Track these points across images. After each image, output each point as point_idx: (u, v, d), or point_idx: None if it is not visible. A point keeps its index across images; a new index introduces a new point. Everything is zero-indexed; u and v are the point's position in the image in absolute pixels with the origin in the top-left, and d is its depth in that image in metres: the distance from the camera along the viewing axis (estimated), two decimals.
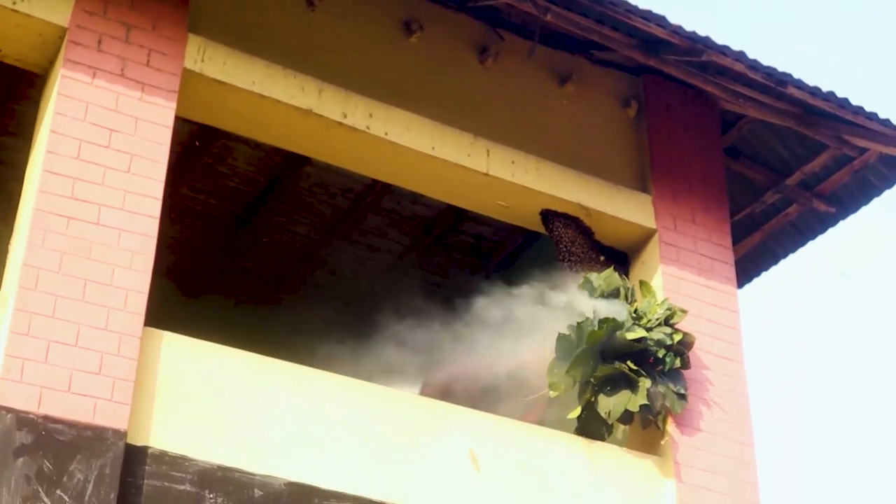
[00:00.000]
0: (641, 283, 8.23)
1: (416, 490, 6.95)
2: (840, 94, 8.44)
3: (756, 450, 8.05)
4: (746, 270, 10.11)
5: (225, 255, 10.31)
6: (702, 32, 8.10)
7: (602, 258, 8.51)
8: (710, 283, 8.47)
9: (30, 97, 8.19)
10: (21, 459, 5.95)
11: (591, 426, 7.69)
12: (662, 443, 7.76)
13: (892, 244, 26.77)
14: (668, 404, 7.72)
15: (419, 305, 9.41)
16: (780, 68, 8.34)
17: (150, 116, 7.03)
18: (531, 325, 8.12)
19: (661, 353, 7.80)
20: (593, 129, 8.78)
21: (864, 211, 9.32)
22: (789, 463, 26.76)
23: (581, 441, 7.59)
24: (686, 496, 7.64)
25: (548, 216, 8.37)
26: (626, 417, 7.68)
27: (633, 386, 7.66)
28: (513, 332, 8.19)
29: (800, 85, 8.35)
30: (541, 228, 8.48)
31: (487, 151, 8.11)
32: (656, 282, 8.31)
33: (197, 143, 8.85)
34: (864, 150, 8.93)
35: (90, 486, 6.03)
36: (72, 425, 6.11)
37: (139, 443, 6.33)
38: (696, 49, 8.14)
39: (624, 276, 8.29)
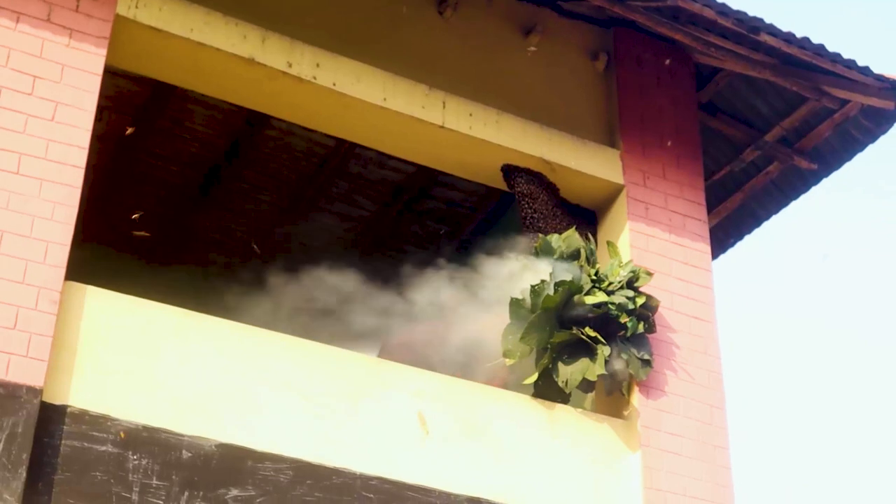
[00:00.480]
0: (608, 243, 7.84)
1: (359, 453, 6.58)
2: (818, 42, 8.05)
3: (728, 413, 7.66)
4: (728, 233, 9.74)
5: (190, 223, 9.99)
6: None
7: (569, 215, 8.14)
8: (681, 241, 8.08)
9: None
10: None
11: (549, 394, 7.30)
12: (626, 413, 7.37)
13: (875, 210, 26.21)
14: (631, 371, 7.32)
15: (388, 273, 9.11)
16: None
17: (77, 64, 6.68)
18: (494, 290, 7.75)
19: (622, 318, 7.38)
20: (558, 82, 8.40)
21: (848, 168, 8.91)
22: (766, 434, 26.38)
23: (540, 403, 7.21)
24: (652, 461, 7.25)
25: (509, 171, 7.99)
26: (586, 386, 7.30)
27: (592, 353, 7.25)
28: (476, 297, 7.83)
29: (773, 31, 7.95)
30: (503, 185, 8.11)
31: (443, 103, 7.74)
32: (624, 239, 7.93)
33: (129, 130, 8.55)
34: (845, 102, 8.51)
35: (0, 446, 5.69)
36: None
37: (57, 401, 5.98)
38: None
39: (588, 236, 7.91)
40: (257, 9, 7.46)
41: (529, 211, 7.95)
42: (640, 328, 7.42)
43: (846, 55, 8.09)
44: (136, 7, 7.03)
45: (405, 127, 7.68)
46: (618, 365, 7.26)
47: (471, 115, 7.80)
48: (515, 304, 7.30)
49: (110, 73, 8.35)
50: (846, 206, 25.04)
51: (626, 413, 7.37)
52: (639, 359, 7.38)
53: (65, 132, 6.50)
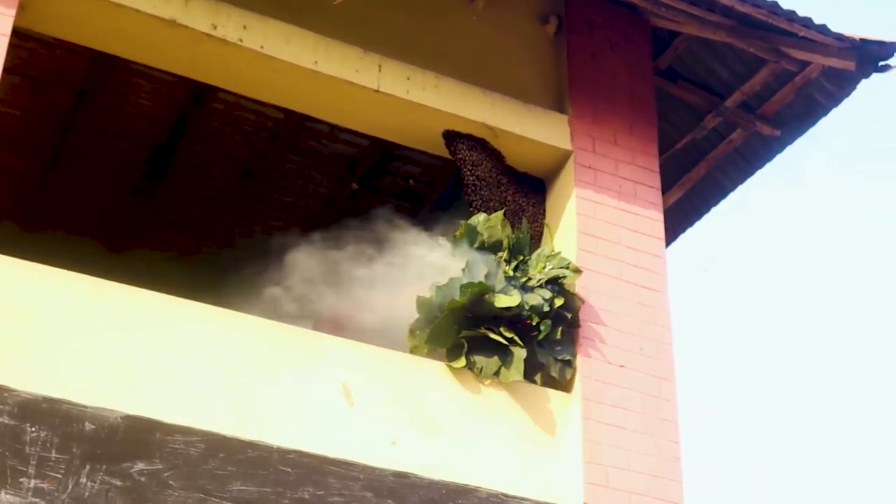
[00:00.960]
0: (546, 226, 7.52)
1: (277, 425, 6.29)
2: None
3: (677, 386, 7.33)
4: (695, 205, 9.43)
5: (142, 203, 9.74)
6: None
7: (516, 184, 7.84)
8: (631, 208, 7.76)
9: None
10: None
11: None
12: (566, 384, 7.06)
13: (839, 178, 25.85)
14: (553, 374, 6.99)
15: (343, 250, 8.85)
16: None
17: None
18: (426, 269, 7.43)
19: (534, 321, 6.97)
20: (505, 47, 8.10)
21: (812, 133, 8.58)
22: (722, 410, 26.11)
23: (473, 374, 6.90)
24: (594, 434, 6.93)
25: (451, 137, 7.69)
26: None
27: (505, 354, 6.87)
28: (414, 274, 7.50)
29: None
30: (445, 152, 7.81)
31: (379, 66, 7.45)
32: (571, 207, 7.61)
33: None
34: (805, 65, 8.18)
35: None
36: None
37: None
38: None
39: (524, 219, 7.56)
40: None
41: (472, 178, 7.65)
42: (558, 334, 7.04)
43: (814, 19, 7.75)
44: None
45: (338, 91, 7.39)
46: (535, 368, 6.92)
47: (408, 78, 7.51)
48: (423, 302, 6.93)
49: (52, 46, 8.17)
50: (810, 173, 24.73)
51: (566, 384, 7.05)
52: (559, 360, 7.03)
53: None
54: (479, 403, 6.80)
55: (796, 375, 26.71)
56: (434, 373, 6.81)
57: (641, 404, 7.14)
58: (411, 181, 9.35)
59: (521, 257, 7.22)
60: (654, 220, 7.79)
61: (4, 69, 6.54)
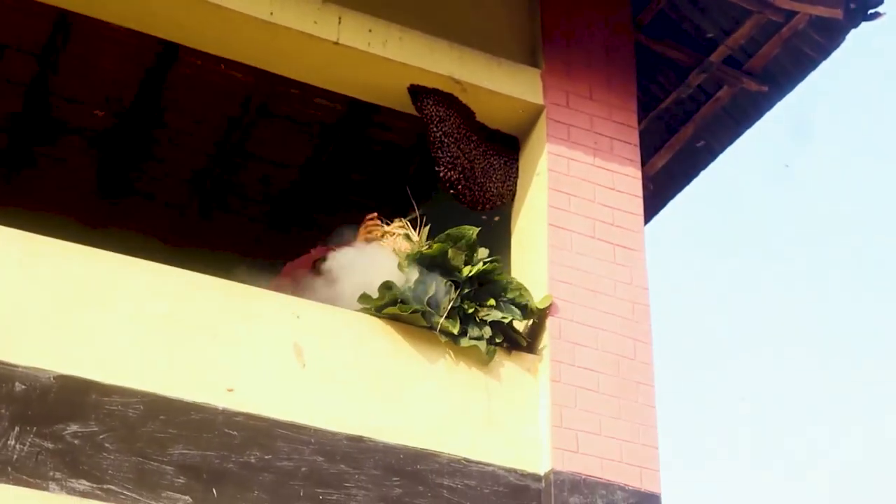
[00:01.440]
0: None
1: (223, 387, 5.99)
2: None
3: (654, 348, 6.99)
4: (685, 169, 9.07)
5: (119, 176, 9.46)
6: None
7: (487, 141, 7.51)
8: (607, 165, 7.42)
9: None
10: None
11: None
12: (534, 345, 6.73)
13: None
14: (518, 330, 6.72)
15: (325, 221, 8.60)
16: None
17: None
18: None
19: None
20: None
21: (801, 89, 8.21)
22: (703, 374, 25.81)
23: (435, 334, 6.57)
24: (563, 397, 6.60)
25: (417, 93, 7.37)
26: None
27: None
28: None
29: None
30: (413, 110, 7.48)
31: (339, 18, 7.13)
32: (542, 164, 7.28)
33: None
34: (791, 15, 7.83)
35: None
36: None
37: None
38: None
39: (486, 182, 7.24)
40: None
41: (439, 134, 7.32)
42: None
43: None
44: None
45: (296, 43, 7.07)
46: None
47: (370, 31, 7.19)
48: (364, 297, 6.58)
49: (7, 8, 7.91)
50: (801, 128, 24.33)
51: (532, 346, 6.73)
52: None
53: None
54: (439, 364, 6.48)
55: (784, 344, 26.52)
56: (392, 333, 6.48)
57: (615, 367, 6.80)
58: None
59: (478, 286, 6.78)
60: (632, 176, 7.45)
61: None
